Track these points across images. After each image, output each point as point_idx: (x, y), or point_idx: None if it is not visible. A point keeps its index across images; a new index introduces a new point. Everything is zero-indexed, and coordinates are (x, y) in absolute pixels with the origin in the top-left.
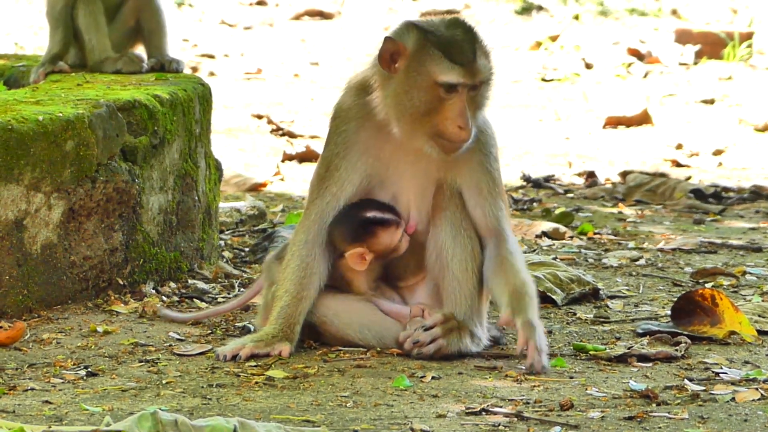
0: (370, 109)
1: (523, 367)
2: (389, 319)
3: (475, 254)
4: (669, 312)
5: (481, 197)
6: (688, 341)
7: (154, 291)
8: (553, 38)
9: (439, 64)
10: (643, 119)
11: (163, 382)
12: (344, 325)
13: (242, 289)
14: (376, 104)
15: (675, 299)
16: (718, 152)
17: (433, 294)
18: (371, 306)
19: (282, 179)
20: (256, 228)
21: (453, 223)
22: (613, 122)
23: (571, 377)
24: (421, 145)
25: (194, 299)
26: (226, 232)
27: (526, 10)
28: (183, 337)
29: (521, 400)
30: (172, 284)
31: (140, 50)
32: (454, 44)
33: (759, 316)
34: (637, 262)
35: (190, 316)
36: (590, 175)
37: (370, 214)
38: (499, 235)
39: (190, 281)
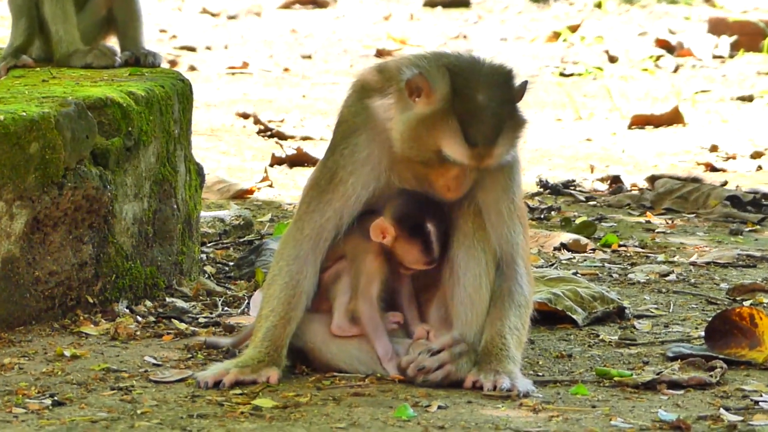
0: (381, 115)
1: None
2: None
3: (489, 270)
4: (703, 333)
5: (499, 220)
6: (724, 366)
7: (127, 310)
8: (573, 28)
9: (451, 136)
10: (674, 118)
11: (138, 412)
12: (334, 354)
13: (226, 308)
14: (388, 115)
15: (709, 319)
16: (757, 155)
17: (443, 313)
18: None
19: (270, 185)
20: (241, 240)
21: (466, 233)
22: (640, 121)
23: (594, 406)
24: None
25: (172, 319)
26: (208, 245)
27: None
28: (160, 362)
29: (538, 431)
30: (148, 303)
31: (113, 42)
32: (479, 118)
33: None
34: (667, 278)
35: (231, 341)
36: (614, 181)
37: (420, 201)
38: (511, 265)
39: (167, 299)
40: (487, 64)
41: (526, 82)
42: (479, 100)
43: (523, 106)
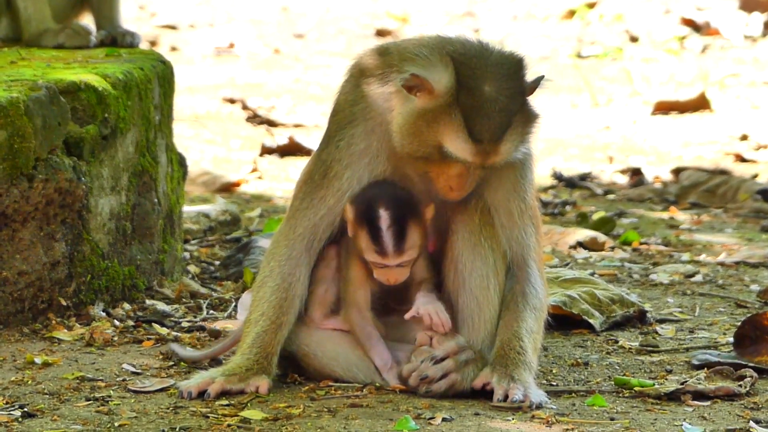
0: (381, 105)
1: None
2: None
3: (498, 269)
4: (731, 339)
5: (509, 220)
6: (755, 375)
7: (103, 314)
8: (591, 5)
9: (454, 131)
10: (700, 104)
11: (116, 424)
12: (329, 359)
13: (211, 312)
14: (388, 106)
15: (738, 324)
16: None
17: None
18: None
19: (260, 177)
20: (228, 237)
21: (472, 231)
22: (664, 108)
23: (612, 419)
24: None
25: (153, 324)
26: (192, 242)
27: None
28: (139, 370)
29: None
30: (126, 305)
31: (87, 20)
32: (485, 112)
33: None
34: (692, 279)
35: (204, 354)
36: (635, 173)
37: (385, 186)
38: (523, 267)
39: (147, 302)
40: (495, 52)
41: (541, 77)
42: (486, 93)
43: (535, 94)
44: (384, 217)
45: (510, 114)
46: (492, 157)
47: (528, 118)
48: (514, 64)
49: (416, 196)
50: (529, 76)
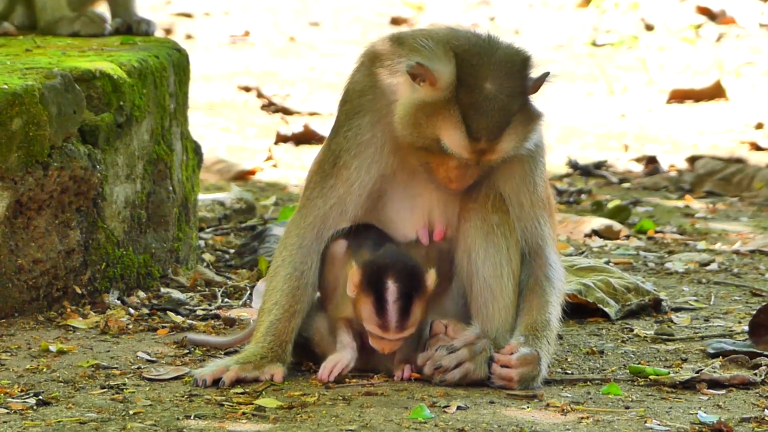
0: (388, 96)
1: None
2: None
3: (511, 257)
4: (746, 328)
5: (521, 212)
6: None
7: (118, 302)
8: None
9: (452, 128)
10: (716, 93)
11: (131, 412)
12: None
13: (226, 300)
14: (395, 97)
15: (753, 312)
16: None
17: (461, 306)
18: None
19: (275, 165)
20: (243, 225)
21: (484, 218)
22: (679, 96)
23: (627, 407)
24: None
25: (168, 312)
26: (207, 230)
27: None
28: (154, 358)
29: None
30: (141, 293)
31: (102, 8)
32: (484, 110)
33: None
34: (707, 267)
35: (227, 340)
36: (651, 161)
37: (395, 255)
38: (539, 255)
39: (162, 290)
40: (501, 50)
41: (545, 75)
42: (485, 90)
43: (545, 88)
44: (392, 290)
45: (509, 113)
46: (489, 155)
47: (529, 117)
48: (519, 63)
49: (422, 267)
50: (537, 73)
